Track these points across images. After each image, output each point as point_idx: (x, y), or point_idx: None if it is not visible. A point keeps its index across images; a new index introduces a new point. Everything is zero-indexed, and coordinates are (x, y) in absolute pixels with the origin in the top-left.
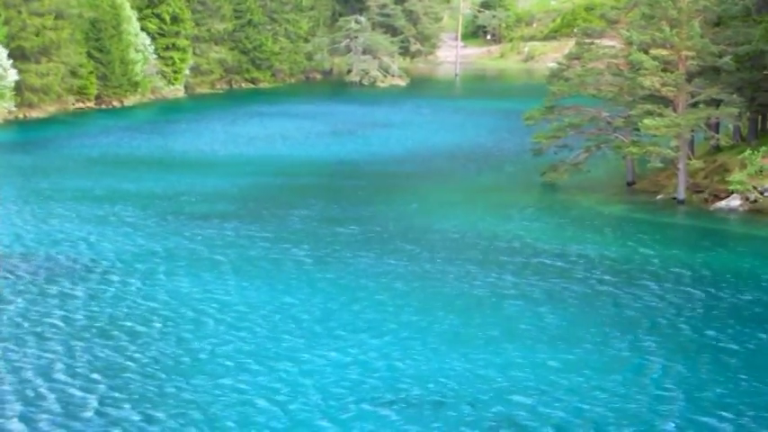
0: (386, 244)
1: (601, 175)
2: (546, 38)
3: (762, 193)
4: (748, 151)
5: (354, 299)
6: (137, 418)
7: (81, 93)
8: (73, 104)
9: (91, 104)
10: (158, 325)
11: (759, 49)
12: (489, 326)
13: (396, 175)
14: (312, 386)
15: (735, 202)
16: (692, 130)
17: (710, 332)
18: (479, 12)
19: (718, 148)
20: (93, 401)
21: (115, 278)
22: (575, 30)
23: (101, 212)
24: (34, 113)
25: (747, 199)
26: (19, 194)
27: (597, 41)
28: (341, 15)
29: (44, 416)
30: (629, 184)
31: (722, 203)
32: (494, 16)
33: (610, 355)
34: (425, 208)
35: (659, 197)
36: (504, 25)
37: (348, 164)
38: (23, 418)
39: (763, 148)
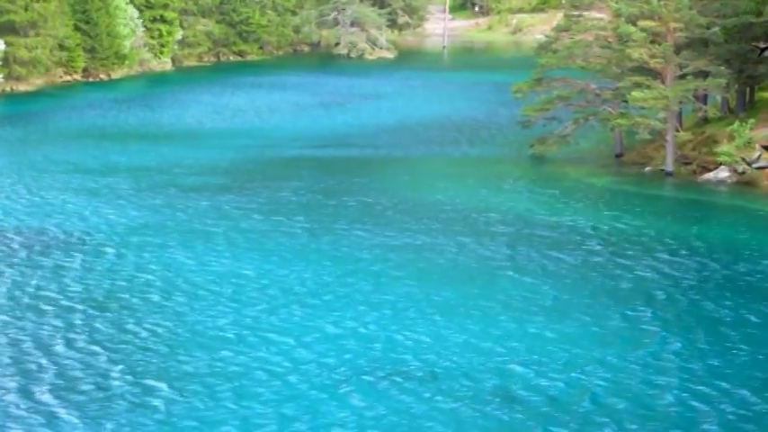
0: (379, 216)
1: (589, 147)
2: (534, 10)
3: (749, 165)
4: (736, 123)
5: (350, 271)
6: (137, 390)
7: (68, 65)
8: (60, 77)
9: (78, 77)
10: (156, 298)
11: (747, 21)
12: (485, 297)
13: (386, 147)
14: (310, 359)
15: (723, 173)
16: (680, 102)
17: (706, 303)
18: None
19: (706, 120)
20: (93, 375)
21: (111, 251)
22: (563, 2)
23: (94, 185)
24: (21, 87)
25: (735, 171)
26: (11, 167)
27: (585, 13)
28: None
29: (45, 389)
30: (618, 156)
31: (710, 175)
32: None
33: (606, 327)
34: (417, 180)
35: (647, 169)
36: None
37: (338, 136)
38: (23, 392)
39: (751, 120)
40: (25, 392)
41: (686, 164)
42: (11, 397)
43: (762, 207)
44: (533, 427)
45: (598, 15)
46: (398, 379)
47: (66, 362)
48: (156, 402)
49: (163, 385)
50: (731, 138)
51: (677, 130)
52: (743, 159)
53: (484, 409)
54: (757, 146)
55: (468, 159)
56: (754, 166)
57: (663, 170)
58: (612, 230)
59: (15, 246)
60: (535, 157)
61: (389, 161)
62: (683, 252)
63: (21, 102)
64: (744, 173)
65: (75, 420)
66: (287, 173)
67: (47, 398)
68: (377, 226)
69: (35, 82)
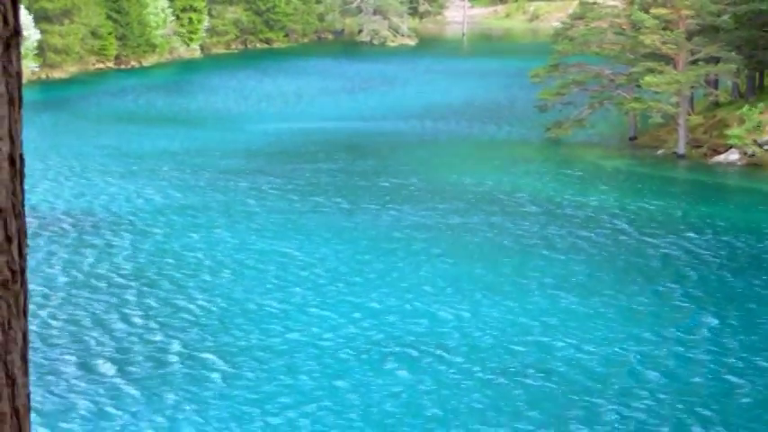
0: (411, 196)
1: (604, 130)
2: None
3: (761, 147)
4: (746, 107)
5: (387, 250)
6: (194, 364)
7: (101, 53)
8: (93, 65)
9: (110, 65)
10: (204, 276)
11: (757, 8)
12: (520, 275)
13: (412, 130)
14: (356, 334)
15: (733, 156)
16: (692, 87)
17: (732, 280)
18: None
19: (717, 105)
20: (150, 349)
21: (158, 231)
22: None
23: (134, 168)
24: (56, 74)
25: (745, 153)
26: (52, 152)
27: (600, 1)
28: None
29: (105, 363)
30: (632, 139)
31: (721, 158)
32: None
33: (638, 303)
34: (444, 161)
35: (660, 152)
36: None
37: (365, 120)
38: (85, 366)
39: (761, 104)
40: (87, 367)
41: (698, 147)
42: (73, 370)
43: None
44: (573, 401)
45: (612, 3)
46: (442, 353)
47: (124, 337)
48: (213, 376)
49: (218, 360)
50: (741, 121)
51: (689, 114)
52: (753, 142)
53: (525, 382)
54: None
55: (490, 142)
56: (766, 147)
57: (675, 153)
58: (632, 210)
59: (66, 226)
60: (552, 140)
61: (416, 143)
62: (705, 231)
63: (56, 88)
64: (753, 155)
65: (136, 393)
66: (318, 155)
67: (108, 371)
68: (409, 206)
69: (69, 69)
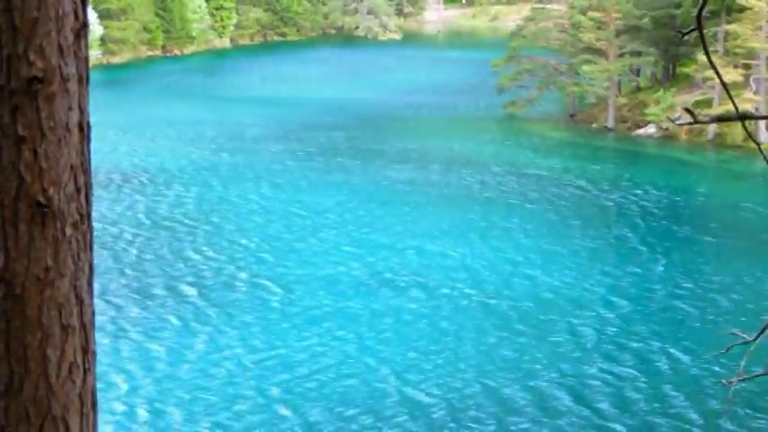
0: (404, 158)
1: (549, 108)
2: (508, 2)
3: (673, 122)
4: (662, 91)
5: (390, 200)
6: (256, 289)
7: (150, 43)
8: (144, 53)
9: (158, 53)
10: (257, 219)
11: (671, 13)
12: (493, 221)
13: (402, 106)
14: (380, 269)
15: (651, 130)
16: (619, 75)
17: (663, 226)
18: None
19: (638, 89)
20: (221, 276)
21: (216, 183)
22: None
23: (186, 134)
24: (115, 60)
25: (661, 128)
26: (118, 122)
27: (548, 6)
28: None
29: (187, 286)
30: (571, 116)
31: (642, 131)
32: None
33: (599, 245)
34: (428, 131)
35: (594, 126)
36: None
37: (364, 97)
38: (170, 288)
39: (673, 89)
40: (172, 288)
41: (623, 122)
42: (162, 293)
43: (681, 155)
44: (553, 320)
45: (557, 7)
46: (442, 282)
47: (200, 266)
48: (272, 298)
49: (275, 286)
50: (658, 102)
51: (617, 96)
52: (667, 119)
53: (506, 304)
54: (679, 108)
55: (461, 115)
56: (677, 123)
57: (606, 127)
58: (576, 171)
59: (144, 180)
60: (508, 116)
61: (405, 117)
62: (634, 187)
63: (115, 71)
64: (667, 129)
65: (210, 309)
66: (328, 125)
67: (190, 292)
68: (403, 165)
69: (125, 56)
